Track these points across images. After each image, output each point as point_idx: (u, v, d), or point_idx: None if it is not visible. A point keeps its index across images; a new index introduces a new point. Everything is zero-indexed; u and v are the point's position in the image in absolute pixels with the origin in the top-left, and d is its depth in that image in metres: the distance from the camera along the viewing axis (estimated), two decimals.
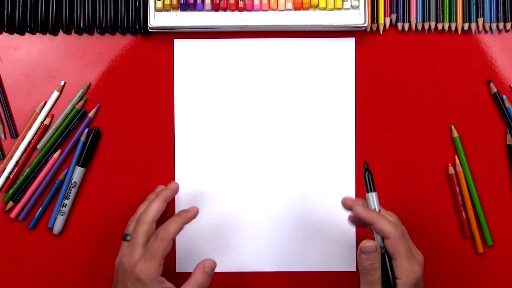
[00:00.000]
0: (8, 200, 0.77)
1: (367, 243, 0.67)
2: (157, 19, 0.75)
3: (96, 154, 0.78)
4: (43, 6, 0.76)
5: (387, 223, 0.66)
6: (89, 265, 0.78)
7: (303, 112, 0.78)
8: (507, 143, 0.77)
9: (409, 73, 0.78)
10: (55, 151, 0.77)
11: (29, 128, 0.77)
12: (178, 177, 0.77)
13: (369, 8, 0.77)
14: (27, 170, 0.77)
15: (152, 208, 0.71)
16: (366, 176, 0.68)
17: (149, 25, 0.75)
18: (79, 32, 0.77)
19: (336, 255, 0.74)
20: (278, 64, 0.78)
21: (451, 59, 0.78)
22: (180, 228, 0.70)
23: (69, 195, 0.76)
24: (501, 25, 0.77)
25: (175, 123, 0.78)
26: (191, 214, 0.71)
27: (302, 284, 0.78)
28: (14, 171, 0.77)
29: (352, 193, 0.77)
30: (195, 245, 0.78)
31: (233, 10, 0.75)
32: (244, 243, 0.77)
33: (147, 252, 0.68)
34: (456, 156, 0.78)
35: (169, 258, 0.76)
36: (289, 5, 0.75)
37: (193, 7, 0.75)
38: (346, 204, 0.70)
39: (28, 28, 0.76)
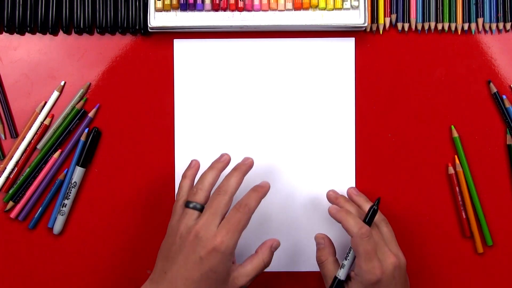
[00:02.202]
0: (8, 200, 0.77)
1: (317, 234, 0.73)
2: (157, 19, 0.75)
3: (96, 154, 0.78)
4: (43, 6, 0.76)
5: (353, 223, 0.69)
6: (89, 265, 0.78)
7: (303, 112, 0.78)
8: (507, 143, 0.77)
9: (409, 73, 0.78)
10: (55, 151, 0.77)
11: (29, 128, 0.77)
12: (178, 177, 0.77)
13: (369, 8, 0.77)
14: (27, 170, 0.77)
15: (234, 181, 0.69)
16: (371, 211, 0.71)
17: (149, 25, 0.75)
18: (79, 32, 0.77)
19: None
20: (278, 64, 0.78)
21: (451, 59, 0.78)
22: (258, 203, 0.69)
23: (69, 195, 0.76)
24: (501, 25, 0.77)
25: (175, 123, 0.78)
26: (266, 189, 0.70)
27: (302, 284, 0.78)
28: (14, 171, 0.77)
29: None
30: None
31: (233, 10, 0.75)
32: (243, 243, 0.77)
33: (228, 223, 0.66)
34: (456, 156, 0.78)
35: None
36: (289, 5, 0.75)
37: (193, 7, 0.75)
38: (329, 198, 0.76)
39: (28, 28, 0.76)
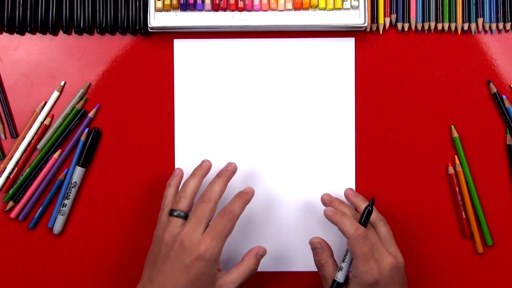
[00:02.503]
0: (8, 200, 0.77)
1: (313, 239, 0.73)
2: (157, 19, 0.75)
3: (96, 154, 0.78)
4: (43, 6, 0.76)
5: (348, 225, 0.69)
6: (89, 265, 0.78)
7: (303, 112, 0.78)
8: (507, 143, 0.77)
9: (409, 73, 0.78)
10: (55, 151, 0.77)
11: (29, 128, 0.77)
12: None
13: (369, 8, 0.77)
14: (27, 170, 0.77)
15: (218, 188, 0.70)
16: (366, 211, 0.71)
17: (149, 25, 0.75)
18: (79, 32, 0.77)
19: (336, 255, 0.74)
20: (278, 64, 0.78)
21: (451, 59, 0.78)
22: (243, 210, 0.70)
23: (69, 195, 0.76)
24: (501, 25, 0.77)
25: (175, 123, 0.78)
26: (250, 195, 0.71)
27: (302, 284, 0.78)
28: (14, 171, 0.77)
29: None
30: None
31: (233, 10, 0.75)
32: (243, 243, 0.77)
33: (212, 231, 0.67)
34: (456, 156, 0.78)
35: None
36: (289, 5, 0.75)
37: (193, 7, 0.75)
38: (324, 202, 0.75)
39: (28, 28, 0.76)
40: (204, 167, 0.73)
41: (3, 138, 0.78)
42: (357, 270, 0.68)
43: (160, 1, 0.75)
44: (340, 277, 0.70)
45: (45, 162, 0.77)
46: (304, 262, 0.77)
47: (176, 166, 0.77)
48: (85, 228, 0.78)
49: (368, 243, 0.68)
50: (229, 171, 0.72)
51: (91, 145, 0.77)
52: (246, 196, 0.71)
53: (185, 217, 0.69)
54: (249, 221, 0.78)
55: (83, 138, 0.77)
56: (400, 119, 0.78)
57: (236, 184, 0.77)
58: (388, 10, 0.77)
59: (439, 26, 0.77)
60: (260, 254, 0.72)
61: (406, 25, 0.77)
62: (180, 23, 0.75)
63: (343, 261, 0.70)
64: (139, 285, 0.70)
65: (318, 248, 0.72)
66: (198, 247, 0.66)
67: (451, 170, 0.77)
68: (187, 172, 0.74)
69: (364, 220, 0.70)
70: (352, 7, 0.76)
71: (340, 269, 0.70)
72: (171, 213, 0.70)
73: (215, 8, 0.75)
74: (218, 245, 0.67)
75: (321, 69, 0.78)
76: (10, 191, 0.77)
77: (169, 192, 0.72)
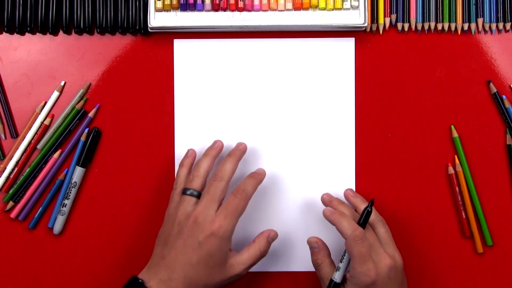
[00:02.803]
0: (8, 200, 0.77)
1: (310, 238, 0.73)
2: (157, 19, 0.75)
3: (96, 154, 0.78)
4: (43, 6, 0.76)
5: (347, 225, 0.69)
6: (89, 265, 0.78)
7: (303, 112, 0.78)
8: (507, 143, 0.77)
9: (409, 73, 0.78)
10: (55, 151, 0.77)
11: (29, 128, 0.77)
12: None
13: (369, 8, 0.77)
14: (27, 170, 0.77)
15: (229, 166, 0.71)
16: (365, 212, 0.71)
17: (149, 25, 0.75)
18: (79, 32, 0.77)
19: (336, 255, 0.74)
20: (278, 64, 0.78)
21: (451, 59, 0.78)
22: (255, 190, 0.71)
23: (69, 195, 0.77)
24: (501, 25, 0.77)
25: (175, 123, 0.78)
26: (262, 175, 0.73)
27: (301, 284, 0.78)
28: (14, 171, 0.77)
29: None
30: None
31: (233, 10, 0.76)
32: (244, 243, 0.77)
33: (226, 209, 0.68)
34: (456, 156, 0.78)
35: None
36: (289, 5, 0.75)
37: (193, 7, 0.75)
38: (323, 202, 0.75)
39: (28, 28, 0.76)
40: (216, 147, 0.74)
41: (3, 138, 0.78)
42: (354, 271, 0.68)
43: (160, 1, 0.75)
44: (337, 277, 0.70)
45: (45, 162, 0.77)
46: (304, 262, 0.77)
47: (176, 166, 0.77)
48: (85, 228, 0.78)
49: (365, 244, 0.68)
50: (240, 150, 0.73)
51: (91, 145, 0.77)
52: (258, 176, 0.72)
53: (198, 195, 0.70)
54: (249, 221, 0.78)
55: (83, 138, 0.77)
56: (400, 119, 0.78)
57: (236, 185, 0.77)
58: (388, 10, 0.77)
59: (439, 26, 0.77)
60: (272, 237, 0.73)
61: (406, 25, 0.77)
62: (180, 23, 0.75)
63: (340, 261, 0.70)
64: (150, 262, 0.70)
65: (315, 247, 0.73)
66: (212, 225, 0.67)
67: (451, 170, 0.77)
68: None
69: (363, 221, 0.70)
70: (352, 7, 0.76)
71: (337, 269, 0.70)
72: (184, 191, 0.70)
73: (215, 8, 0.75)
74: (232, 223, 0.68)
75: (321, 69, 0.78)
76: (10, 191, 0.77)
77: (182, 172, 0.73)
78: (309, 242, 0.73)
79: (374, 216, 0.73)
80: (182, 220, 0.69)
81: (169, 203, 0.72)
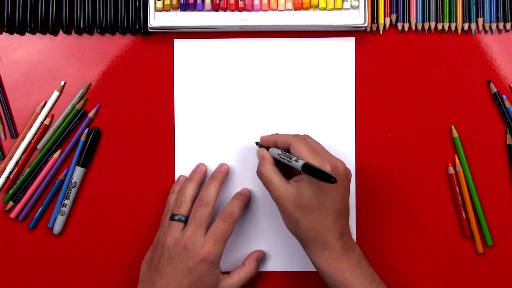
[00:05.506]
0: (8, 200, 0.77)
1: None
2: (157, 19, 0.75)
3: (96, 154, 0.78)
4: (43, 6, 0.76)
5: (287, 135, 0.71)
6: (89, 265, 0.78)
7: (303, 112, 0.78)
8: (507, 143, 0.77)
9: (409, 73, 0.78)
10: (55, 151, 0.77)
11: (29, 128, 0.77)
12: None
13: (369, 8, 0.77)
14: (27, 170, 0.77)
15: (213, 190, 0.73)
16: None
17: (149, 25, 0.75)
18: (79, 32, 0.77)
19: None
20: (278, 64, 0.78)
21: (451, 59, 0.78)
22: (242, 211, 0.73)
23: (69, 195, 0.77)
24: (501, 25, 0.77)
25: (175, 123, 0.78)
26: (248, 196, 0.75)
27: (302, 284, 0.78)
28: (14, 171, 0.77)
29: (352, 195, 0.77)
30: None
31: (233, 10, 0.75)
32: (244, 243, 0.77)
33: (214, 234, 0.70)
34: (456, 156, 0.78)
35: None
36: (289, 5, 0.75)
37: (193, 7, 0.75)
38: (263, 142, 0.74)
39: (28, 28, 0.76)
40: (199, 171, 0.76)
41: (3, 138, 0.78)
42: (314, 161, 0.66)
43: (160, 1, 0.75)
44: (300, 162, 0.66)
45: (45, 162, 0.77)
46: (304, 262, 0.77)
47: (176, 166, 0.77)
48: (85, 228, 0.78)
49: (311, 142, 0.69)
50: (222, 172, 0.75)
51: (91, 145, 0.77)
52: (243, 197, 0.74)
53: (185, 220, 0.72)
54: (249, 221, 0.78)
55: (83, 138, 0.77)
56: (400, 119, 0.78)
57: (236, 184, 0.77)
58: (388, 10, 0.77)
59: (439, 26, 0.77)
60: (260, 258, 0.76)
61: (406, 25, 0.77)
62: (180, 23, 0.75)
63: (288, 161, 0.67)
64: None
65: (260, 157, 0.72)
66: (201, 250, 0.69)
67: (451, 170, 0.77)
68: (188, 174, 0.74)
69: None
70: (352, 7, 0.76)
71: (294, 161, 0.67)
72: (172, 217, 0.72)
73: (215, 8, 0.75)
74: (221, 247, 0.70)
75: (321, 69, 0.78)
76: (10, 191, 0.77)
77: (172, 198, 0.75)
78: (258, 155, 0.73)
79: (300, 136, 0.72)
80: (171, 246, 0.70)
81: (159, 229, 0.73)
